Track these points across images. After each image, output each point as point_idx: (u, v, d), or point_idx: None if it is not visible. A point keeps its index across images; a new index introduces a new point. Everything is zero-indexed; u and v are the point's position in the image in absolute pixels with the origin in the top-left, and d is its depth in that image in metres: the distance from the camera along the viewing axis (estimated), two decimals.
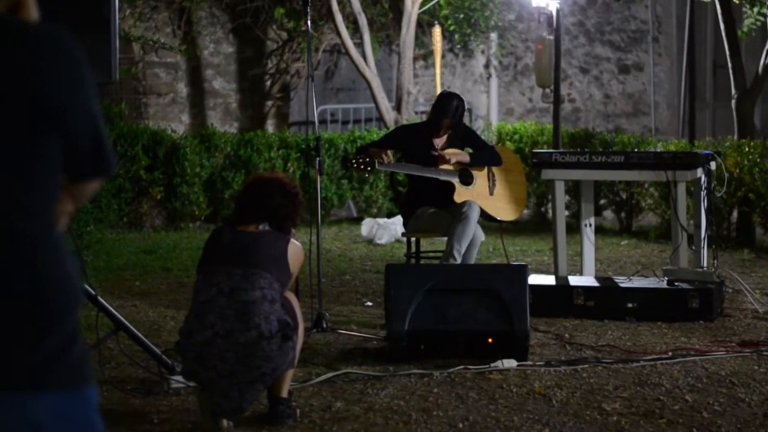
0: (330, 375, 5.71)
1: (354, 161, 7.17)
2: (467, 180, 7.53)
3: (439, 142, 7.53)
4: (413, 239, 7.75)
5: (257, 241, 4.93)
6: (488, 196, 7.60)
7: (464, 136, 7.63)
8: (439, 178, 7.37)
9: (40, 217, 2.15)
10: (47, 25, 2.17)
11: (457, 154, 7.47)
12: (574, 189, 10.97)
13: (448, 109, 7.47)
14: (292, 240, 5.03)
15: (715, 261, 7.77)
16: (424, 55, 15.25)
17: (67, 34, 2.17)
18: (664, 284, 7.33)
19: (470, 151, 7.62)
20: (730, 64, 11.20)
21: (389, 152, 7.34)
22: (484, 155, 7.60)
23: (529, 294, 6.13)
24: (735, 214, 10.54)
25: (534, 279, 7.42)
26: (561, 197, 7.88)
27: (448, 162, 7.36)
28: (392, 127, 12.21)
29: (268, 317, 4.74)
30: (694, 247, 7.66)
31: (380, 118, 13.40)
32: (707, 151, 7.93)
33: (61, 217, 2.24)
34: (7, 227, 2.11)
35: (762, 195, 10.00)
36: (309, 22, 7.28)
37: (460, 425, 4.90)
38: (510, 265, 7.21)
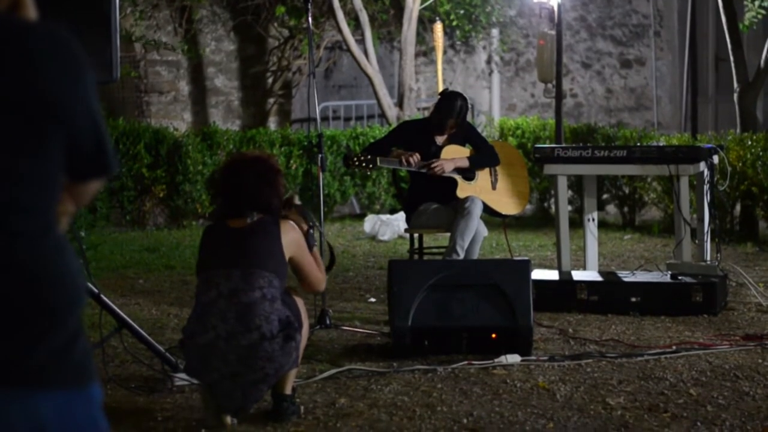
0: (334, 371, 5.70)
1: (356, 158, 7.16)
2: (470, 175, 7.52)
3: (441, 138, 7.53)
4: (416, 235, 7.74)
5: (250, 236, 4.83)
6: (491, 191, 7.59)
7: (466, 133, 7.62)
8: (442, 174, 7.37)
9: (38, 217, 2.14)
10: (47, 23, 2.15)
11: (456, 155, 7.45)
12: (576, 184, 10.97)
13: (453, 109, 7.45)
14: (282, 222, 4.88)
15: (719, 255, 7.77)
16: (426, 51, 15.24)
17: (67, 33, 2.16)
18: (667, 278, 7.31)
19: (470, 147, 7.61)
20: (732, 58, 11.18)
21: (416, 155, 7.29)
22: (483, 157, 7.56)
23: (533, 289, 6.13)
24: (738, 207, 10.53)
25: (537, 274, 7.42)
26: (564, 192, 7.88)
27: (444, 172, 7.32)
28: (394, 123, 12.23)
29: (269, 317, 4.71)
30: (697, 241, 7.65)
31: (382, 115, 13.40)
32: (710, 145, 7.91)
33: (62, 217, 2.23)
34: (5, 226, 2.10)
35: (765, 188, 9.97)
36: (310, 19, 7.28)
37: (464, 420, 4.90)
38: (513, 261, 7.20)
